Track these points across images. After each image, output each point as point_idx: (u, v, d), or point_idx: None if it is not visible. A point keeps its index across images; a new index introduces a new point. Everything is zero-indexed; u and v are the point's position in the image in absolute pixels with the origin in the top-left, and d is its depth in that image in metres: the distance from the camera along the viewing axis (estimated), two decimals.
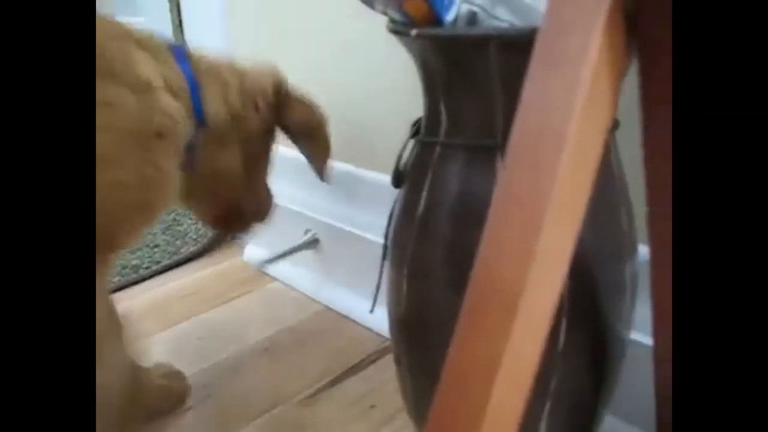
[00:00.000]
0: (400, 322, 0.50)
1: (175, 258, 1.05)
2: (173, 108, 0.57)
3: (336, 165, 0.85)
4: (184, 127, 0.58)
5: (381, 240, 0.77)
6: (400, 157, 0.49)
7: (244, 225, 0.76)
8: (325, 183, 0.74)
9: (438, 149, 0.45)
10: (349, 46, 0.79)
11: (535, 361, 0.28)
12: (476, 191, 0.43)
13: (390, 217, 0.52)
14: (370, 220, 0.80)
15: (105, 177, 0.51)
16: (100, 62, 0.52)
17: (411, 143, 0.49)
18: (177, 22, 1.15)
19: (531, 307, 0.27)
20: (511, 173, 0.28)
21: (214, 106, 0.64)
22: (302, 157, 0.90)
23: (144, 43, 0.58)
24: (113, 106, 0.53)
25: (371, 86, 0.77)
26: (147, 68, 0.56)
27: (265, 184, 0.76)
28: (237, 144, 0.68)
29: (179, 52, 0.62)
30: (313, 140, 0.75)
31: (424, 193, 0.45)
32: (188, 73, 0.62)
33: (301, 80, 0.87)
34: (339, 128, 0.84)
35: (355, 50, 0.78)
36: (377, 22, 0.46)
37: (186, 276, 1.01)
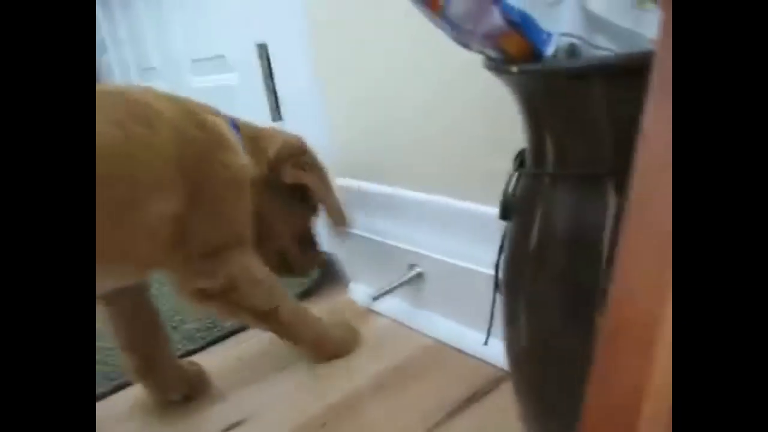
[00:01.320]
0: (519, 354, 0.50)
1: None
2: (250, 164, 0.81)
3: (435, 198, 0.86)
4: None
5: (485, 270, 0.78)
6: (506, 190, 0.50)
7: (286, 272, 0.94)
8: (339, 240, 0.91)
9: (546, 180, 0.45)
10: (446, 82, 0.80)
11: None
12: (589, 221, 0.43)
13: (500, 250, 0.52)
14: (473, 251, 0.81)
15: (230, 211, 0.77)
16: (223, 139, 0.78)
17: (515, 175, 0.50)
18: (267, 72, 1.21)
19: (669, 338, 0.27)
20: (639, 203, 0.28)
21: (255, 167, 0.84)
22: (400, 193, 0.93)
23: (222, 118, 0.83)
24: (231, 167, 0.77)
25: (468, 120, 0.78)
26: (234, 138, 0.81)
27: (306, 240, 0.95)
28: (264, 199, 0.86)
29: (232, 123, 0.85)
30: (326, 202, 0.93)
31: (536, 225, 0.46)
32: (239, 138, 0.83)
33: (399, 118, 0.89)
34: (437, 162, 0.85)
35: (452, 87, 0.79)
36: (473, 59, 0.47)
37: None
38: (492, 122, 0.74)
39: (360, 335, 0.92)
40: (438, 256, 0.86)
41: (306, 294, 1.11)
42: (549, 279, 0.45)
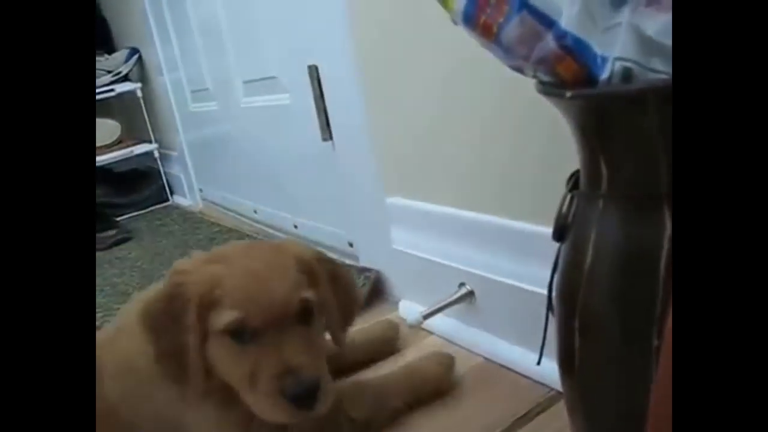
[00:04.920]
0: (572, 374, 0.50)
1: None
2: None
3: (485, 217, 0.87)
4: None
5: (535, 289, 0.78)
6: (560, 211, 0.50)
7: None
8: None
9: (601, 202, 0.45)
10: (498, 102, 0.81)
11: None
12: (644, 242, 0.43)
13: (553, 270, 0.53)
14: (523, 270, 0.81)
15: None
16: None
17: (569, 196, 0.50)
18: (318, 93, 1.24)
19: None
20: None
21: None
22: (450, 211, 0.93)
23: None
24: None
25: (521, 139, 0.79)
26: None
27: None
28: None
29: None
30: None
31: (590, 246, 0.46)
32: None
33: (449, 137, 0.90)
34: (489, 182, 0.86)
35: (504, 106, 0.80)
36: (526, 80, 0.48)
37: None
38: (544, 142, 0.75)
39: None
40: (488, 275, 0.87)
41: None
42: (603, 300, 0.45)
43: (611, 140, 0.43)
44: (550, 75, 0.44)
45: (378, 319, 1.08)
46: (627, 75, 0.40)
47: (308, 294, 0.66)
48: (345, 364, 0.90)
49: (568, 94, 0.42)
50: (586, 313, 0.47)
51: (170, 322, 0.64)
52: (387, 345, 0.97)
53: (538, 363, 0.61)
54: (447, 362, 0.85)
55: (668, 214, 0.41)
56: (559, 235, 0.51)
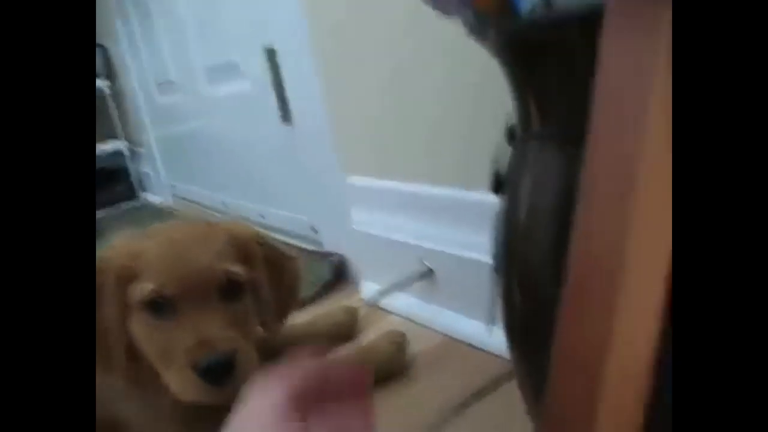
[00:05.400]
0: (514, 329, 0.48)
1: None
2: None
3: (442, 190, 0.85)
4: None
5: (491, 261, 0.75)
6: (495, 162, 0.48)
7: None
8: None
9: (535, 145, 0.43)
10: (447, 76, 0.79)
11: (649, 345, 0.25)
12: (576, 184, 0.41)
13: (495, 228, 0.51)
14: (481, 242, 0.78)
15: None
16: None
17: (507, 150, 0.48)
18: (276, 76, 1.21)
19: (634, 284, 0.25)
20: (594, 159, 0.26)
21: None
22: (405, 188, 0.91)
23: None
24: None
25: (472, 110, 0.77)
26: None
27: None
28: None
29: None
30: None
31: (525, 194, 0.44)
32: None
33: (403, 113, 0.88)
34: (445, 154, 0.84)
35: (453, 79, 0.78)
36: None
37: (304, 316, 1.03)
38: (498, 111, 0.72)
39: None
40: (446, 250, 0.84)
41: (317, 295, 1.09)
42: (540, 247, 0.43)
43: (539, 76, 0.40)
44: (473, 12, 0.42)
45: (341, 303, 1.05)
46: (548, 3, 0.38)
47: (235, 268, 0.61)
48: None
49: (491, 28, 0.40)
50: (523, 263, 0.44)
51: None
52: (344, 330, 0.93)
53: (488, 331, 0.59)
54: (399, 341, 0.82)
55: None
56: (495, 187, 0.49)
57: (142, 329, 0.60)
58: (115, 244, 0.62)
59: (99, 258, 0.60)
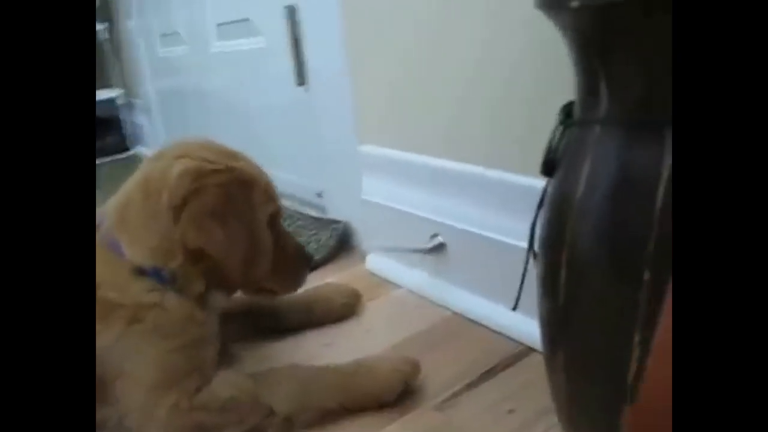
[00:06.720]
0: (556, 313, 0.48)
1: None
2: None
3: (465, 167, 0.84)
4: None
5: (508, 240, 0.75)
6: (550, 142, 0.47)
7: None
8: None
9: (598, 128, 0.42)
10: (488, 46, 0.78)
11: None
12: (641, 171, 0.40)
13: (539, 207, 0.50)
14: (500, 222, 0.78)
15: None
16: None
17: (560, 129, 0.47)
18: (293, 35, 1.18)
19: None
20: None
21: None
22: (424, 161, 0.90)
23: None
24: None
25: (499, 86, 0.76)
26: None
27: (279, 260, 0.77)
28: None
29: None
30: None
31: (583, 176, 0.43)
32: None
33: (426, 86, 0.87)
34: (472, 130, 0.83)
35: (483, 52, 0.76)
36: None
37: (308, 286, 1.02)
38: (528, 90, 0.72)
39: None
40: (463, 226, 0.84)
41: (321, 264, 1.08)
42: (595, 230, 0.42)
43: (614, 57, 0.40)
44: None
45: (345, 272, 1.05)
46: None
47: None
48: (293, 321, 0.88)
49: (575, 3, 0.39)
50: (575, 247, 0.44)
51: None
52: (344, 309, 0.91)
53: (514, 308, 0.58)
54: (406, 370, 0.71)
55: (669, 141, 0.39)
56: (548, 168, 0.48)
57: (268, 237, 0.74)
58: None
59: (246, 173, 0.74)
